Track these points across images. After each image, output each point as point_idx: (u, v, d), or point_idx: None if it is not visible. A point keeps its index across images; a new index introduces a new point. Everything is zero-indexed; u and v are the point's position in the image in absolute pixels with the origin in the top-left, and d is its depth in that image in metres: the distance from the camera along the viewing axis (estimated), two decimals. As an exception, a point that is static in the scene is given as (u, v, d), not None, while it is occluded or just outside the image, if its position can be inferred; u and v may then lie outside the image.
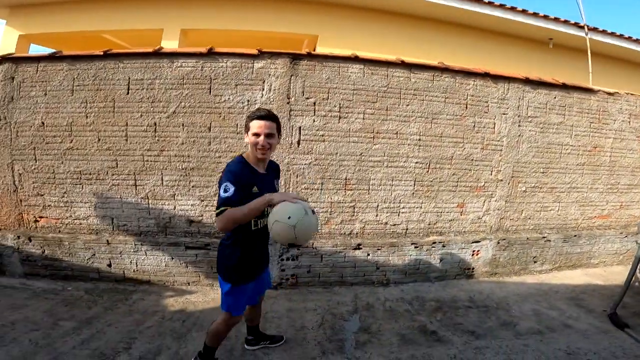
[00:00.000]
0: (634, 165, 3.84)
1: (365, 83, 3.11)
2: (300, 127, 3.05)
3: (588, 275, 3.78)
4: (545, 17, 5.96)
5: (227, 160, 2.96)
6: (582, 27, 6.04)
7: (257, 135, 1.65)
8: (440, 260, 3.40)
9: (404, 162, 3.22)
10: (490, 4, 5.69)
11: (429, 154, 3.26)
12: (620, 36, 6.50)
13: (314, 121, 3.06)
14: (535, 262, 3.70)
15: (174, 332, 2.40)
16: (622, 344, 2.48)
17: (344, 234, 3.24)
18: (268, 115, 1.66)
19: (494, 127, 3.37)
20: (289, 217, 1.47)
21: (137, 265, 3.06)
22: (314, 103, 3.05)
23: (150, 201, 3.06)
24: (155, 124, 3.00)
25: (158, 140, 3.01)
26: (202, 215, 3.09)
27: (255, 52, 2.94)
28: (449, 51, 5.92)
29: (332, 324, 2.61)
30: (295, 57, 3.00)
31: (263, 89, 2.99)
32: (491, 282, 3.51)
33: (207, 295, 2.95)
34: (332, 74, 3.05)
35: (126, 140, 3.00)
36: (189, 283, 3.10)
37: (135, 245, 3.03)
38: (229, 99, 2.98)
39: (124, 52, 3.02)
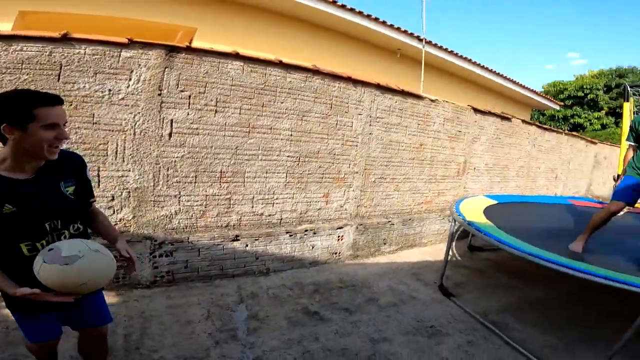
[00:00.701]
0: (446, 160, 5.10)
1: (244, 80, 3.20)
2: (172, 120, 2.94)
3: (421, 253, 4.77)
4: (398, 28, 7.06)
5: (79, 153, 2.65)
6: (421, 40, 7.40)
7: (53, 126, 1.17)
8: (313, 247, 3.86)
9: (277, 155, 3.49)
10: (359, 13, 6.40)
11: (300, 149, 3.61)
12: (450, 51, 8.19)
13: (188, 114, 2.99)
14: (384, 243, 4.55)
15: None
16: (451, 311, 3.18)
17: (221, 226, 3.32)
18: (61, 99, 1.22)
19: (352, 126, 3.96)
20: (67, 255, 1.11)
21: None
22: (189, 96, 2.98)
23: None
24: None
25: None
26: None
27: (124, 40, 2.66)
28: (318, 52, 6.44)
29: (220, 315, 2.71)
30: (173, 50, 2.85)
31: (130, 79, 2.75)
32: (354, 264, 4.13)
33: None
34: (211, 69, 3.03)
35: None
36: None
37: None
38: (84, 87, 2.63)
39: None
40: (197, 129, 3.05)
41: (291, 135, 3.53)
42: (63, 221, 1.27)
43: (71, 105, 2.61)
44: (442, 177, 5.10)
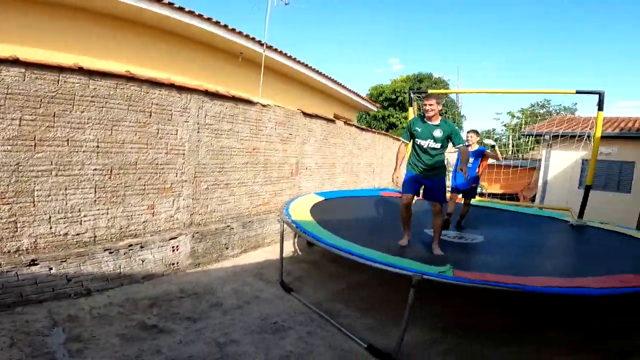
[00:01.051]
0: (280, 162, 5.44)
1: (25, 87, 2.61)
2: None
3: (265, 252, 4.94)
4: (239, 32, 6.92)
5: None
6: (262, 45, 7.51)
7: None
8: (143, 261, 3.52)
9: (80, 169, 3.02)
10: (199, 16, 5.97)
11: (110, 160, 3.21)
12: (290, 57, 8.50)
13: None
14: (227, 248, 4.53)
15: None
16: (292, 305, 3.35)
17: (9, 252, 2.70)
18: None
19: (176, 134, 3.76)
20: None
21: None
22: None
23: None
24: None
25: None
26: None
27: None
28: (156, 59, 5.83)
29: (29, 342, 2.30)
30: None
31: None
32: (197, 272, 3.99)
33: None
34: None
35: None
36: None
37: None
38: None
39: None
40: (-51, 143, 2.34)
41: (97, 147, 3.10)
42: None
43: None
44: (277, 179, 5.43)
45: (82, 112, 2.97)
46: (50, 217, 2.88)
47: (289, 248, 5.30)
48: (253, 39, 7.30)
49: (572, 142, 8.69)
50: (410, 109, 6.92)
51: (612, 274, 2.77)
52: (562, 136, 9.65)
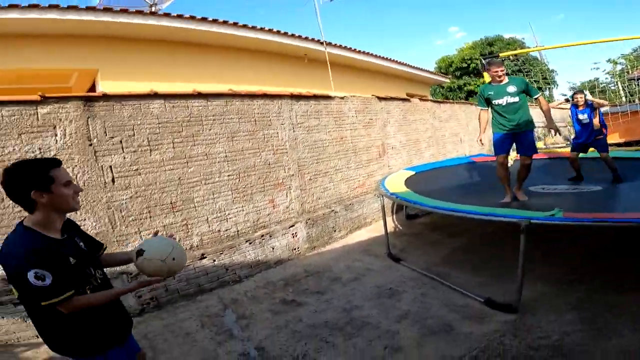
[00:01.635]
0: (367, 146, 5.80)
1: (168, 116, 3.45)
2: (111, 166, 3.10)
3: (368, 231, 5.37)
4: (300, 37, 7.61)
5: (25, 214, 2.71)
6: (322, 43, 8.07)
7: (69, 183, 1.35)
8: (273, 249, 4.22)
9: (219, 177, 3.79)
10: (269, 30, 6.80)
11: (237, 166, 3.95)
12: (350, 49, 8.96)
13: (124, 158, 3.16)
14: (334, 230, 5.05)
15: None
16: (402, 273, 3.72)
17: (186, 249, 3.53)
18: (60, 160, 1.39)
19: (278, 136, 4.40)
20: (161, 253, 1.40)
21: None
22: (121, 141, 3.15)
23: None
24: None
25: None
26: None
27: (36, 97, 2.76)
28: (237, 72, 6.75)
29: (212, 323, 3.01)
30: (89, 100, 3.00)
31: (56, 135, 2.86)
32: (313, 255, 4.58)
33: None
34: (134, 112, 3.23)
35: None
36: (36, 335, 2.69)
37: None
38: (14, 149, 2.69)
39: None
40: (137, 169, 3.23)
41: (226, 156, 3.85)
42: (94, 268, 1.45)
43: (3, 175, 2.65)
44: (367, 161, 5.79)
45: (210, 129, 3.74)
46: (207, 218, 3.68)
47: (390, 224, 5.59)
48: (313, 39, 7.86)
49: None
50: (485, 74, 6.73)
51: None
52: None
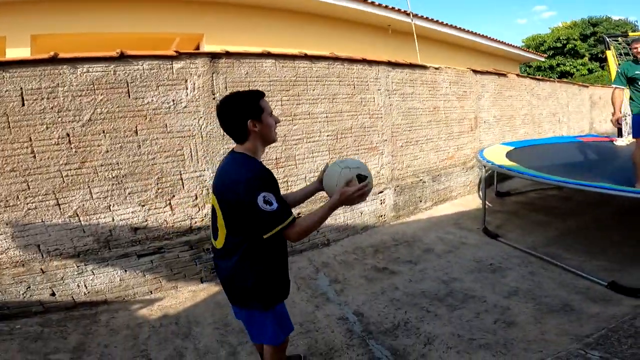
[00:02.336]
0: (459, 118, 5.50)
1: (278, 75, 3.60)
2: (228, 119, 3.35)
3: (453, 205, 5.17)
4: (385, 7, 7.47)
5: (163, 161, 3.05)
6: (408, 15, 7.78)
7: (271, 114, 1.41)
8: (361, 214, 4.26)
9: (318, 136, 3.89)
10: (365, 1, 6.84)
11: (335, 127, 4.01)
12: (437, 21, 8.59)
13: (240, 112, 3.39)
14: (421, 201, 4.95)
15: (177, 334, 2.47)
16: (502, 249, 3.55)
17: None
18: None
19: (374, 101, 4.36)
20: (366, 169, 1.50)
21: (86, 288, 2.85)
22: (238, 95, 3.38)
23: (82, 218, 2.87)
24: (67, 134, 2.80)
25: (76, 152, 2.83)
26: (146, 220, 3.08)
27: (173, 53, 3.05)
28: (321, 40, 6.90)
29: (307, 285, 3.08)
30: (214, 56, 3.24)
31: (187, 88, 3.15)
32: (400, 224, 4.52)
33: (177, 298, 3.02)
34: (250, 69, 3.43)
35: (34, 157, 2.72)
36: (151, 292, 3.08)
37: (77, 267, 2.82)
38: (152, 100, 3.02)
39: (6, 61, 2.68)
40: (249, 123, 3.45)
41: (326, 117, 3.93)
42: None
43: (146, 118, 3.00)
44: (459, 134, 5.51)
45: (313, 90, 3.84)
46: (305, 176, 3.83)
47: (477, 200, 5.29)
48: (399, 10, 7.60)
49: None
50: (608, 52, 6.02)
51: None
52: None
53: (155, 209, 3.09)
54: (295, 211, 1.64)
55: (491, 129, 6.05)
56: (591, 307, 2.47)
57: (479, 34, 9.47)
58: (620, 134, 5.67)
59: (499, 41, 10.05)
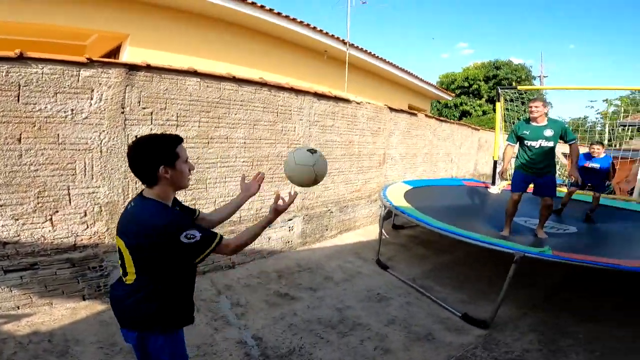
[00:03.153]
0: (370, 153, 5.98)
1: (201, 95, 3.48)
2: (136, 136, 3.12)
3: (357, 234, 5.59)
4: (325, 33, 7.61)
5: (47, 174, 2.74)
6: (345, 43, 8.10)
7: (187, 161, 1.42)
8: (269, 239, 4.36)
9: (234, 162, 3.87)
10: (293, 19, 6.74)
11: (253, 154, 4.04)
12: (370, 53, 9.04)
13: (151, 130, 3.20)
14: (327, 229, 5.24)
15: (50, 352, 2.29)
16: (389, 280, 3.95)
17: None
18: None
19: (295, 130, 4.50)
20: (308, 160, 1.63)
21: None
22: (152, 113, 3.18)
23: None
24: None
25: None
26: (18, 235, 2.72)
27: (83, 59, 2.74)
28: (257, 57, 6.71)
29: (208, 307, 3.08)
30: (132, 68, 3.00)
31: (92, 98, 2.85)
32: (306, 250, 4.74)
33: (52, 315, 2.78)
34: (171, 86, 3.25)
35: None
36: (18, 307, 2.75)
37: None
38: (45, 107, 2.68)
39: None
40: (160, 142, 3.27)
41: (245, 143, 3.93)
42: None
43: (35, 126, 2.65)
44: (368, 168, 5.99)
45: (236, 114, 3.81)
46: (215, 200, 3.78)
47: (376, 231, 5.85)
48: (337, 38, 7.88)
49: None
50: (498, 104, 7.02)
51: None
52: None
53: (31, 223, 2.75)
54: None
55: (396, 165, 6.71)
56: (447, 336, 2.97)
57: (403, 69, 10.33)
58: (493, 182, 6.81)
59: (416, 77, 11.11)
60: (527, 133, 3.79)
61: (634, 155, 10.26)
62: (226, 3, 5.48)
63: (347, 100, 5.31)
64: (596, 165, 5.14)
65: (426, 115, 7.77)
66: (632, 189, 11.42)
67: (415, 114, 7.25)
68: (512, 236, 3.93)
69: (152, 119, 3.19)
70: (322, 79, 8.02)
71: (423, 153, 7.65)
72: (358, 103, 5.54)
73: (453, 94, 15.92)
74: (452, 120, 9.26)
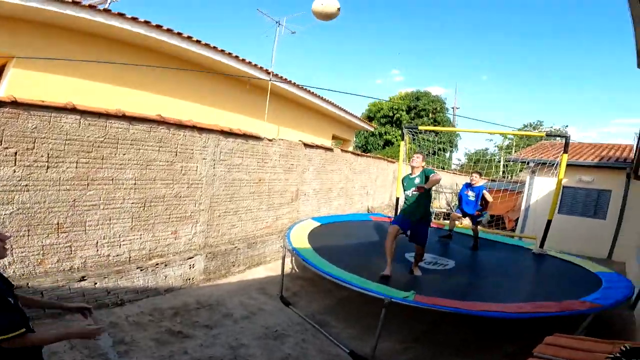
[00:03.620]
0: (282, 190, 6.07)
1: (80, 134, 3.24)
2: (-6, 178, 2.79)
3: (266, 269, 5.54)
4: (248, 62, 7.51)
5: None
6: (269, 73, 8.16)
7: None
8: (166, 277, 4.15)
9: (121, 203, 3.64)
10: (214, 48, 6.53)
11: (144, 195, 3.84)
12: (293, 83, 9.15)
13: (14, 171, 2.88)
14: (233, 265, 5.13)
15: None
16: (290, 316, 3.95)
17: (64, 270, 3.30)
18: None
19: (196, 170, 4.40)
20: None
21: None
22: (15, 153, 2.86)
23: None
24: None
25: None
26: None
27: None
28: (173, 84, 6.41)
29: (85, 345, 2.82)
30: (-7, 105, 2.69)
31: None
32: (209, 286, 4.57)
33: None
34: (41, 124, 2.98)
35: None
36: None
37: None
38: None
39: None
40: (26, 185, 2.95)
41: (135, 184, 3.73)
42: None
43: None
44: (279, 205, 6.05)
45: (124, 154, 3.60)
46: (97, 242, 3.49)
47: (287, 265, 5.90)
48: (261, 68, 7.93)
49: (553, 169, 9.32)
50: (402, 143, 7.63)
51: (538, 300, 3.45)
52: (543, 163, 10.32)
53: None
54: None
55: (309, 201, 6.90)
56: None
57: (327, 100, 10.58)
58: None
59: (340, 108, 11.58)
60: (405, 184, 4.31)
61: (520, 187, 11.93)
62: (135, 28, 5.23)
63: (257, 138, 5.36)
64: (472, 194, 5.87)
65: (342, 150, 8.17)
66: (517, 219, 13.18)
67: (331, 149, 7.58)
68: (394, 274, 4.19)
69: (15, 160, 2.88)
70: (244, 108, 8.00)
71: (339, 187, 7.98)
72: (270, 140, 5.63)
73: (374, 125, 16.99)
74: (368, 154, 9.85)
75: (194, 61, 6.89)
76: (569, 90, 47.68)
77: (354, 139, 15.12)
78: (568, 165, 9.95)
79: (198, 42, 6.39)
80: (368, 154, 9.86)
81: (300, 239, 4.83)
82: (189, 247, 4.48)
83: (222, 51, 6.93)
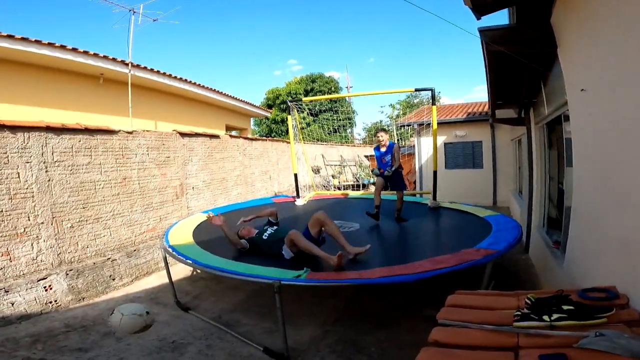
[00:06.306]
0: (160, 187, 5.31)
1: None
2: None
3: (160, 277, 4.78)
4: (96, 55, 6.43)
5: None
6: (127, 65, 7.09)
7: None
8: (12, 304, 3.34)
9: None
10: (49, 44, 5.38)
11: None
12: (157, 72, 8.17)
13: None
14: (113, 279, 4.31)
15: None
16: (191, 322, 3.49)
17: None
18: None
19: (19, 177, 3.48)
20: None
21: None
22: None
23: None
24: None
25: None
26: None
27: None
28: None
29: None
30: None
31: None
32: (83, 306, 3.86)
33: None
34: None
35: None
36: None
37: None
38: None
39: None
40: None
41: None
42: None
43: None
44: (161, 204, 5.30)
45: None
46: None
47: (185, 269, 5.24)
48: (114, 59, 6.88)
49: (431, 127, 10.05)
50: (289, 117, 7.41)
51: (441, 254, 3.22)
52: (422, 124, 11.16)
53: None
54: None
55: (201, 194, 6.24)
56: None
57: (209, 88, 9.86)
58: (298, 195, 7.12)
59: (229, 96, 10.88)
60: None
61: (411, 150, 12.81)
62: None
63: (109, 131, 4.53)
64: (387, 155, 5.20)
65: (231, 136, 7.62)
66: (415, 181, 14.24)
67: (217, 136, 6.96)
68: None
69: None
70: (99, 107, 6.87)
71: (234, 175, 7.43)
72: (129, 132, 4.83)
73: (271, 111, 16.65)
74: (263, 138, 9.45)
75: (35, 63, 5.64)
76: (440, 66, 53.30)
77: (251, 127, 14.54)
78: (445, 123, 10.93)
79: (24, 39, 5.18)
80: (263, 138, 9.45)
81: (182, 236, 4.22)
82: (36, 268, 3.60)
83: (62, 47, 5.77)
